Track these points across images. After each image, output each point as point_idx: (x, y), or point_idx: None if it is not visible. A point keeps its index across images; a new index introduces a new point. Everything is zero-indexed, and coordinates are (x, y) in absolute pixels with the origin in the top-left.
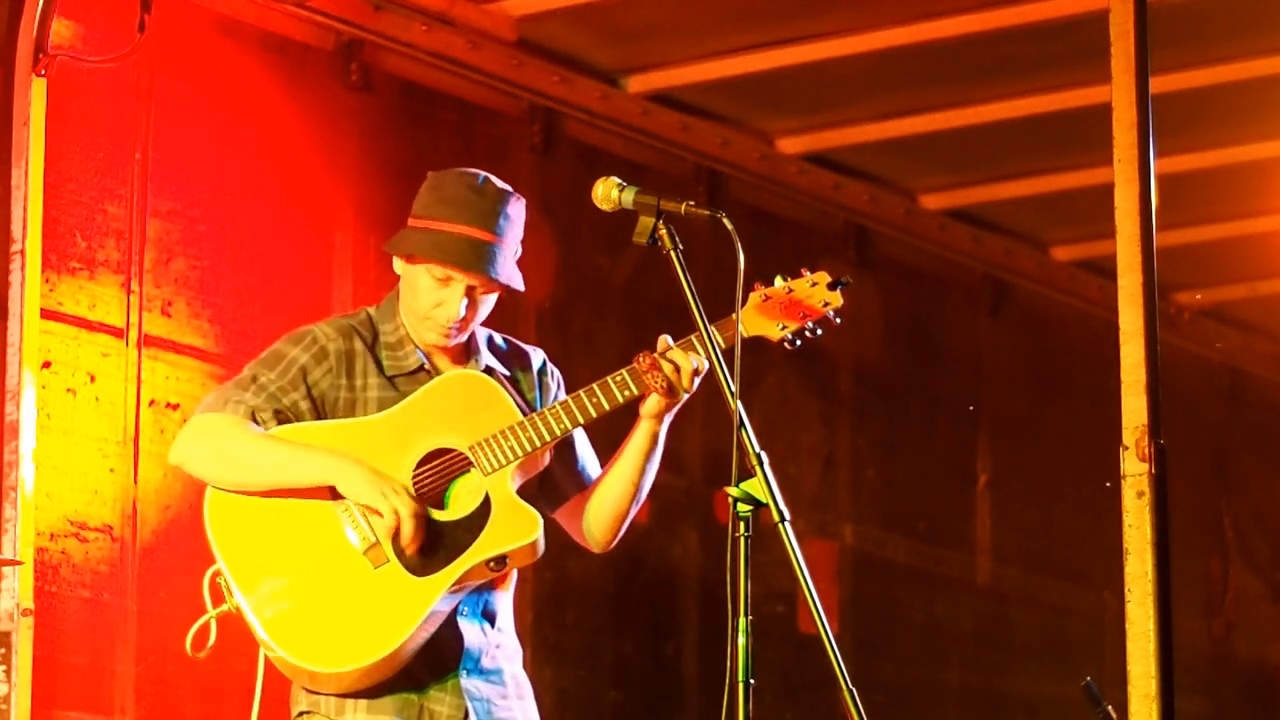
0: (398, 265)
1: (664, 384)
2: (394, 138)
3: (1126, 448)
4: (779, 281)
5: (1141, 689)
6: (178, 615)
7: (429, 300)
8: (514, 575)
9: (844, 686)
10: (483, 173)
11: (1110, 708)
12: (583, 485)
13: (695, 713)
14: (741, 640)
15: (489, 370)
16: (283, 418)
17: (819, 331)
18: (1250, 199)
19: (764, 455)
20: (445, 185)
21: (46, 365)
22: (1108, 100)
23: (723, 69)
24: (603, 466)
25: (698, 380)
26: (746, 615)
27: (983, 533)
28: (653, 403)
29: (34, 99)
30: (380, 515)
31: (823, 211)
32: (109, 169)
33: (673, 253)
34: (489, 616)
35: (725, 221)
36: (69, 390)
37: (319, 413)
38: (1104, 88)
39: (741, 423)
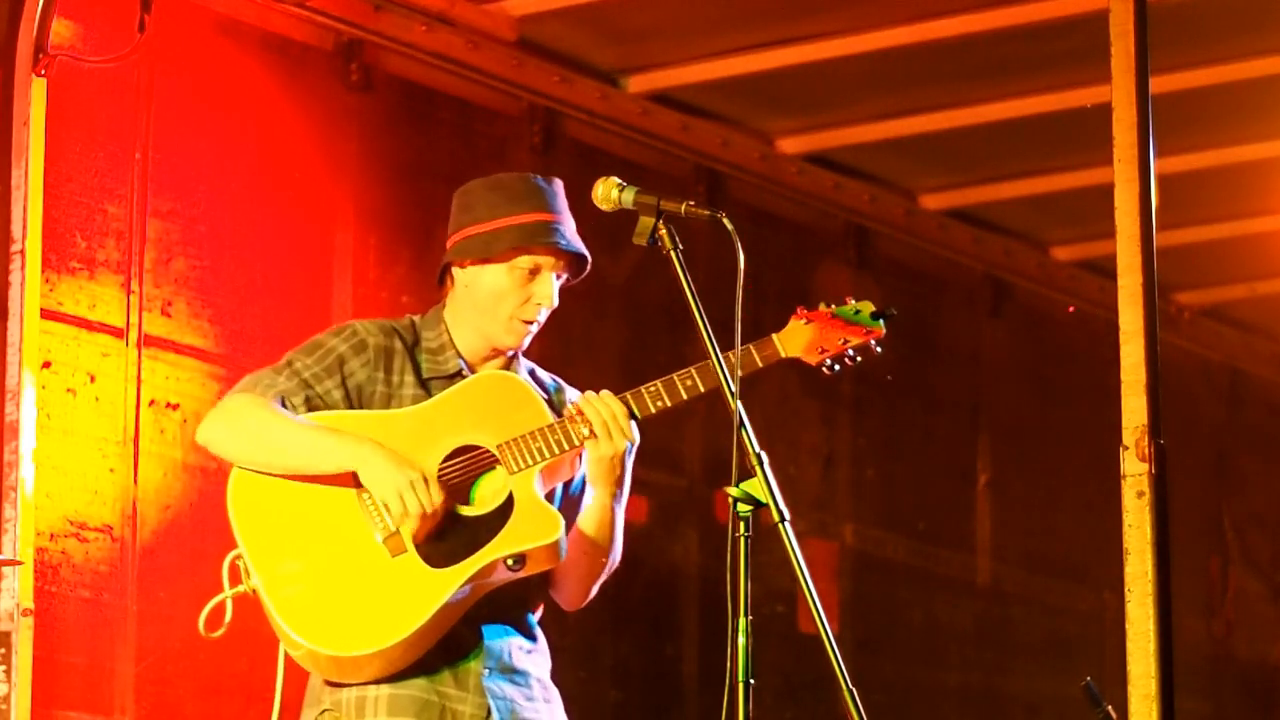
0: (465, 275)
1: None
2: (394, 138)
3: (1126, 448)
4: (822, 306)
5: (1141, 689)
6: (178, 615)
7: (517, 297)
8: (540, 587)
9: (844, 686)
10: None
11: (1110, 708)
12: None
13: (695, 713)
14: (741, 640)
15: None
16: (314, 405)
17: (858, 359)
18: (1250, 199)
19: (764, 455)
20: (508, 184)
21: (46, 365)
22: (1108, 100)
23: (723, 69)
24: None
25: (635, 433)
26: (746, 615)
27: (983, 533)
28: (589, 464)
29: (34, 99)
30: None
31: (823, 211)
32: (109, 169)
33: (673, 253)
34: (515, 622)
35: (725, 221)
36: (69, 390)
37: (352, 404)
38: (1104, 88)
39: (741, 423)
